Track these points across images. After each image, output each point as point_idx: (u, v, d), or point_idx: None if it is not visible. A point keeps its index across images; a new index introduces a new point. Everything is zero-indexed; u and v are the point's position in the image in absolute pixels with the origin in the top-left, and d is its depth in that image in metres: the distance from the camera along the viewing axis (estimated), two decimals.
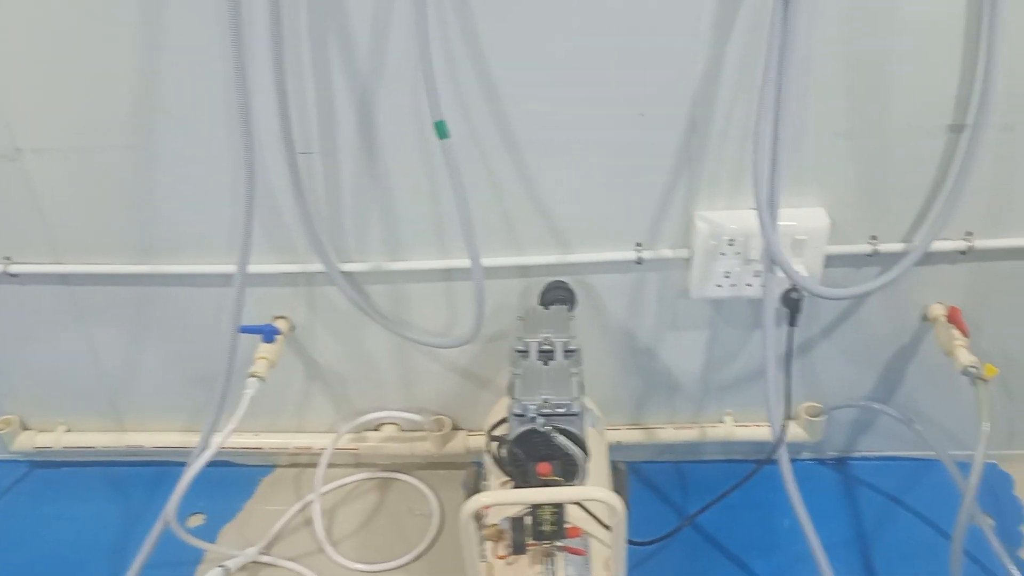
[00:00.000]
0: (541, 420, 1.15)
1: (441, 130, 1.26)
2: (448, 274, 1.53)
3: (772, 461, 1.39)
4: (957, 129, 1.32)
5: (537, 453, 1.16)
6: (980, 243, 1.42)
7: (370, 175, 1.41)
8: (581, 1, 1.23)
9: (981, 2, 1.21)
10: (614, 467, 1.42)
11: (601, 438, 1.44)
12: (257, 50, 1.25)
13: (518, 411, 1.16)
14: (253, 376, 1.48)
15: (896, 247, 1.43)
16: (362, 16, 1.26)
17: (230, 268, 1.38)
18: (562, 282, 1.49)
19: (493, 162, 1.39)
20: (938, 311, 1.48)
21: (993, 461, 1.69)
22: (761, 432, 1.64)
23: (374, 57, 1.29)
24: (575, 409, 1.16)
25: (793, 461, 1.41)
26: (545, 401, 1.16)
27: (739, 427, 1.68)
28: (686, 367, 1.63)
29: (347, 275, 1.50)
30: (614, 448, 1.51)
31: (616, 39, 1.27)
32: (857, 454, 1.75)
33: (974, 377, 1.36)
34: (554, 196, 1.43)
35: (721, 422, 1.70)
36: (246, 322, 1.43)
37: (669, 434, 1.71)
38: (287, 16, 1.25)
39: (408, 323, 1.58)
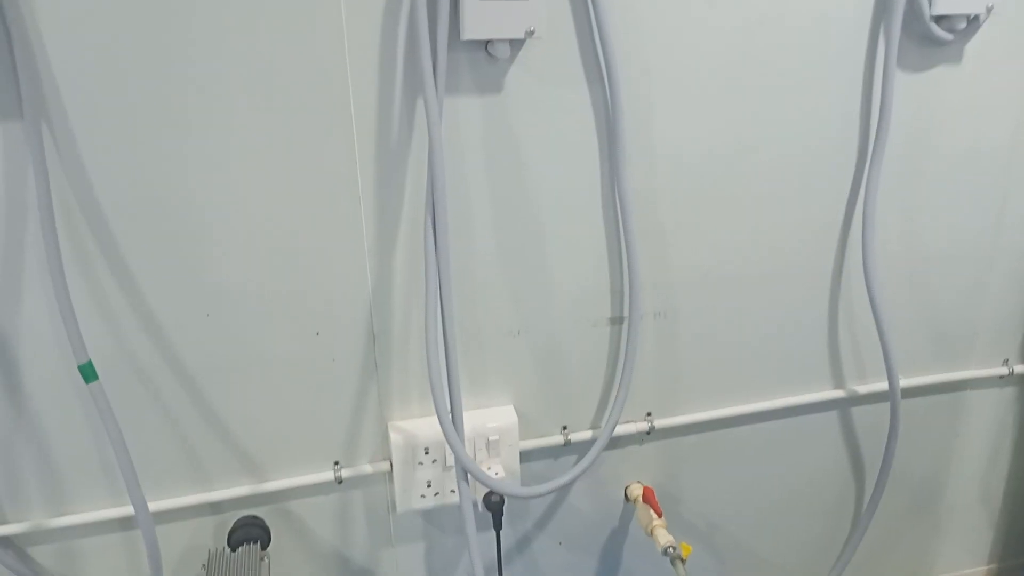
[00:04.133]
0: None
1: (88, 373, 1.15)
2: (126, 523, 1.36)
3: None
4: (617, 320, 1.41)
5: None
6: (660, 422, 1.50)
7: (15, 421, 1.25)
8: (248, 235, 1.21)
9: (616, 212, 1.34)
10: None
11: None
12: None
13: None
14: None
15: (586, 435, 1.47)
16: None
17: None
18: (251, 517, 1.37)
19: (164, 392, 1.28)
20: (636, 491, 1.52)
21: None
22: None
23: (9, 293, 1.17)
24: None
25: None
26: None
27: None
28: None
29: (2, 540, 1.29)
30: None
31: (288, 261, 1.25)
32: None
33: (673, 558, 1.39)
34: (239, 421, 1.33)
35: None
36: None
37: None
38: None
39: None
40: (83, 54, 1.07)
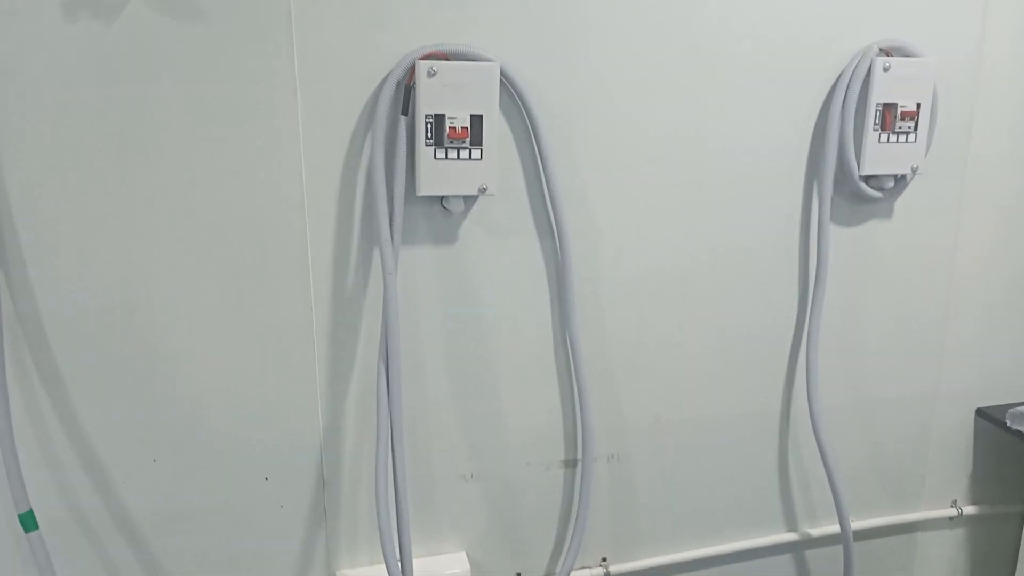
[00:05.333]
0: None
1: (28, 522, 1.12)
2: None
3: None
4: (571, 464, 1.42)
5: None
6: (615, 567, 1.48)
7: None
8: (199, 378, 1.21)
9: (567, 357, 1.37)
10: None
11: None
12: None
13: None
14: None
15: None
16: None
17: None
18: None
19: (106, 541, 1.24)
20: None
21: None
22: None
23: None
24: None
25: None
26: None
27: None
28: None
29: None
30: None
31: (238, 404, 1.25)
32: None
33: None
34: (182, 572, 1.29)
35: None
36: None
37: None
38: None
39: None
40: (45, 197, 1.10)
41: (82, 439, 1.20)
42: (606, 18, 1.25)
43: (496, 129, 1.19)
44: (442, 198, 1.24)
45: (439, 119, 1.16)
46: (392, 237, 1.20)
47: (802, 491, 1.60)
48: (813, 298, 1.47)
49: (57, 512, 1.21)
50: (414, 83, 1.16)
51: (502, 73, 1.19)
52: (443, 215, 1.26)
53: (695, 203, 1.38)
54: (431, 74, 1.14)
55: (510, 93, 1.22)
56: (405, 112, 1.17)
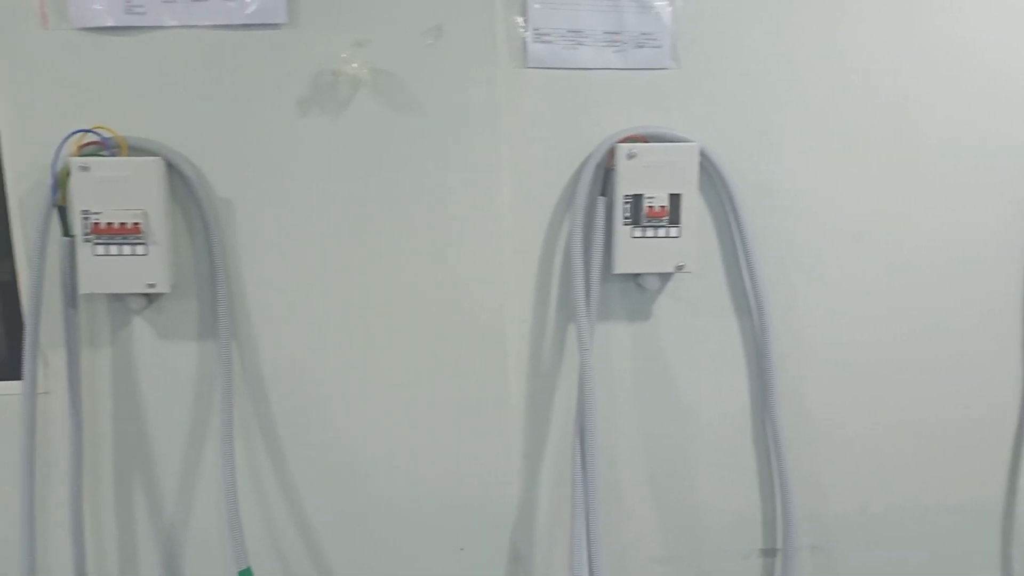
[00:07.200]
0: None
1: None
2: None
3: None
4: (770, 553, 1.35)
5: None
6: None
7: None
8: (402, 447, 1.27)
9: (767, 439, 1.32)
10: None
11: None
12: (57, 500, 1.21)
13: None
14: None
15: None
16: (169, 462, 1.25)
17: None
18: None
19: None
20: None
21: None
22: None
23: (181, 502, 1.26)
24: None
25: None
26: None
27: None
28: None
29: None
30: None
31: (437, 474, 1.29)
32: None
33: None
34: None
35: None
36: None
37: None
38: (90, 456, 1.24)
39: None
40: (273, 269, 1.21)
41: (296, 502, 1.28)
42: (805, 94, 1.24)
43: (694, 207, 1.19)
44: (637, 275, 1.25)
45: (637, 199, 1.18)
46: (588, 313, 1.22)
47: None
48: None
49: (270, 570, 1.28)
50: (614, 165, 1.18)
51: (701, 152, 1.19)
52: (638, 292, 1.27)
53: (904, 281, 1.31)
54: (631, 156, 1.17)
55: (707, 171, 1.23)
56: (603, 193, 1.20)
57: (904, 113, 1.26)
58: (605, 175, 1.20)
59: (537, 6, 1.17)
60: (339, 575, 1.31)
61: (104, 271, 1.13)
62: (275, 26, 1.14)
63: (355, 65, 1.15)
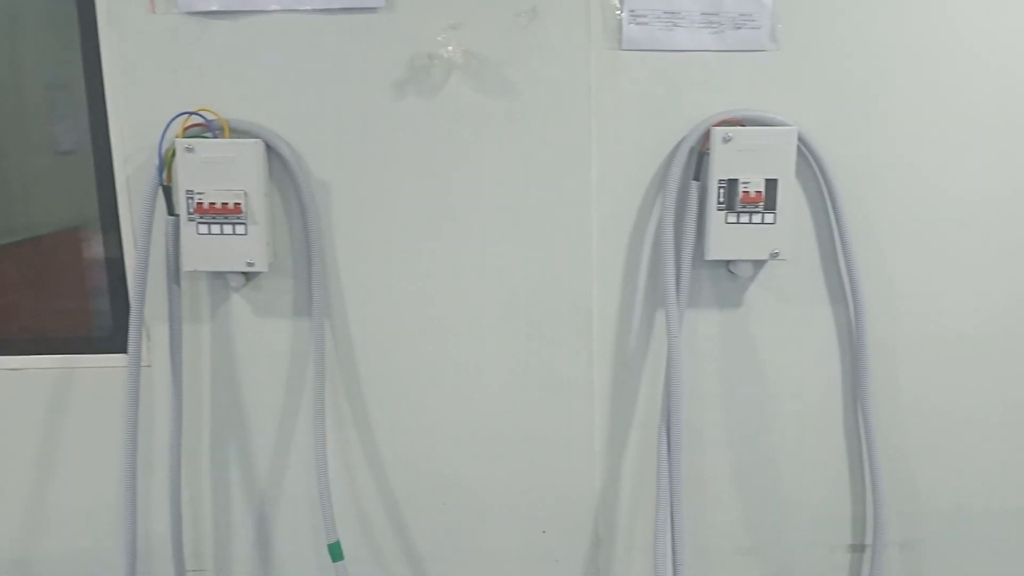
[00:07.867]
0: None
1: (335, 552, 1.23)
2: None
3: None
4: (858, 548, 1.32)
5: None
6: None
7: None
8: (484, 429, 1.28)
9: (859, 432, 1.29)
10: None
11: None
12: (158, 467, 1.26)
13: None
14: None
15: None
16: (263, 435, 1.29)
17: None
18: None
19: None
20: None
21: None
22: None
23: (274, 474, 1.30)
24: None
25: None
26: None
27: None
28: None
29: None
30: None
31: (520, 456, 1.30)
32: None
33: None
34: None
35: None
36: None
37: None
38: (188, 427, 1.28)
39: None
40: (364, 269, 1.23)
41: (383, 479, 1.30)
42: (910, 75, 1.19)
43: (791, 193, 1.16)
44: (728, 262, 1.23)
45: (732, 184, 1.16)
46: (678, 300, 1.21)
47: None
48: None
49: (358, 547, 1.31)
50: (708, 149, 1.16)
51: (798, 137, 1.16)
52: (729, 279, 1.25)
53: (1011, 270, 1.25)
54: (726, 140, 1.14)
55: (804, 156, 1.19)
56: (697, 177, 1.18)
57: (1019, 91, 1.20)
58: (699, 159, 1.18)
59: None
60: (423, 553, 1.33)
61: (206, 249, 1.17)
62: (372, 10, 1.15)
63: (450, 48, 1.16)
